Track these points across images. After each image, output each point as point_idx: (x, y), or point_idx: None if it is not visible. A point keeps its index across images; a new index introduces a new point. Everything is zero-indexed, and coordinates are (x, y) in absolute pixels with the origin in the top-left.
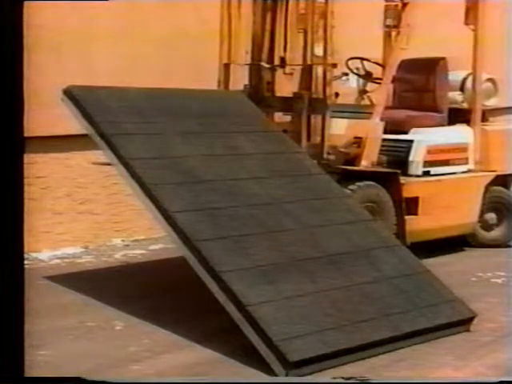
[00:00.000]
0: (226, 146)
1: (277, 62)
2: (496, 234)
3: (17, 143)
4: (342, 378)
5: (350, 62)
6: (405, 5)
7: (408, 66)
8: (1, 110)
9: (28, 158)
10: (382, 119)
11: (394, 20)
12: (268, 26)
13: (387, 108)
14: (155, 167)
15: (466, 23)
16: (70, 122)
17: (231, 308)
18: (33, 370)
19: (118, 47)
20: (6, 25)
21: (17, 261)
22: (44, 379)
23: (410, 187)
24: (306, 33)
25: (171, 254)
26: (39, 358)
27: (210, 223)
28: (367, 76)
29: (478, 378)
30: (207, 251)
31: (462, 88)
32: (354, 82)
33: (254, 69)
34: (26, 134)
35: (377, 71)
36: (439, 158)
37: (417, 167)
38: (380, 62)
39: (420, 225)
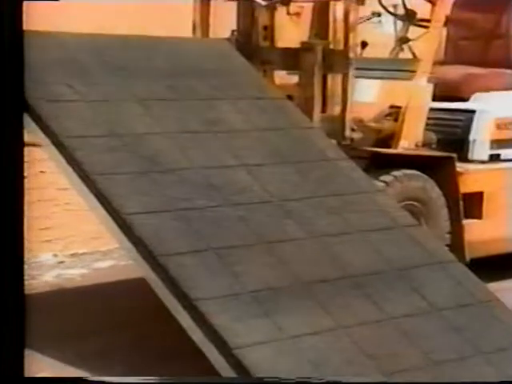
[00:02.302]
0: (204, 119)
1: None
2: None
3: (16, 155)
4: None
5: None
6: None
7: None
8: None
9: None
10: (430, 80)
11: None
12: None
13: (438, 63)
14: (103, 149)
15: None
16: None
17: (211, 351)
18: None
19: None
20: (6, 25)
21: (16, 260)
22: (45, 379)
23: (471, 178)
24: None
25: (126, 274)
26: None
27: (181, 230)
28: (409, 16)
29: (479, 379)
30: (178, 270)
31: None
32: (389, 25)
33: (245, 7)
34: None
35: (423, 9)
36: None
37: (481, 149)
38: None
39: (485, 233)
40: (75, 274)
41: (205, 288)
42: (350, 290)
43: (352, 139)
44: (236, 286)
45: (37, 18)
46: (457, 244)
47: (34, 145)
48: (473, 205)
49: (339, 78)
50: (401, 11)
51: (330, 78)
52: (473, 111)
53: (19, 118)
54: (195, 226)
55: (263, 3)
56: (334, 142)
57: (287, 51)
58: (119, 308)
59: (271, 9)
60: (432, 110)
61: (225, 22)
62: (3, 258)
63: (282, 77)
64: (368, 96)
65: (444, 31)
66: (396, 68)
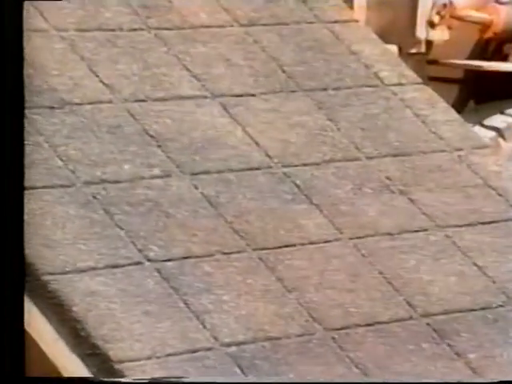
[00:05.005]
0: (133, 3)
1: None
2: None
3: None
4: None
5: None
6: None
7: None
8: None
9: None
10: None
11: None
12: None
13: None
14: None
15: None
16: None
17: None
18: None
19: None
20: (6, 25)
21: (17, 261)
22: (45, 379)
23: None
24: None
25: None
26: None
27: (90, 224)
28: None
29: (477, 379)
30: (85, 304)
31: None
32: None
33: None
34: None
35: None
36: None
37: None
38: None
39: None
40: None
41: (140, 340)
42: (424, 341)
43: (430, 43)
44: (200, 333)
45: None
46: None
47: None
48: None
49: None
50: None
51: None
52: None
53: (20, 117)
54: (118, 217)
55: None
56: (393, 48)
57: None
58: None
59: None
60: None
61: None
62: (3, 256)
63: None
64: None
65: None
66: None
